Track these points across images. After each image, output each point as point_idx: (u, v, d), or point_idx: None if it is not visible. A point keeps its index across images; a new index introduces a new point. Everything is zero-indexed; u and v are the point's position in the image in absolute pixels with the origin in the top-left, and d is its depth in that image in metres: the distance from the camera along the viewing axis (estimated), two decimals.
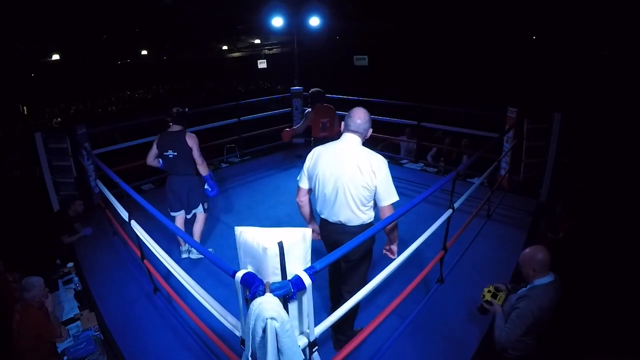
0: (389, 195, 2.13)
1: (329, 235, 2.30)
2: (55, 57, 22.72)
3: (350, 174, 2.06)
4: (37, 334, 2.43)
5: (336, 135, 3.70)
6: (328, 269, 2.47)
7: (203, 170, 3.51)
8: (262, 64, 8.10)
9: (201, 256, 3.53)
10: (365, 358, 2.43)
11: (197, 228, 3.60)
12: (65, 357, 2.54)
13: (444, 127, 5.62)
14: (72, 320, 2.89)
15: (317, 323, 1.71)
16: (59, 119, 13.40)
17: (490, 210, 4.24)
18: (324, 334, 1.87)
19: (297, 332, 1.58)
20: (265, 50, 33.04)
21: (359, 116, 2.14)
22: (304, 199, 2.37)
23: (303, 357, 1.46)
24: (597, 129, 7.72)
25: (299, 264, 1.50)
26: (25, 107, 16.22)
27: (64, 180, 4.36)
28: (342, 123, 2.20)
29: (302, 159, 6.91)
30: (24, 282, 2.48)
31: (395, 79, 16.46)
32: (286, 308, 1.44)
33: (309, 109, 4.58)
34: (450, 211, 2.83)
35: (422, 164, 5.82)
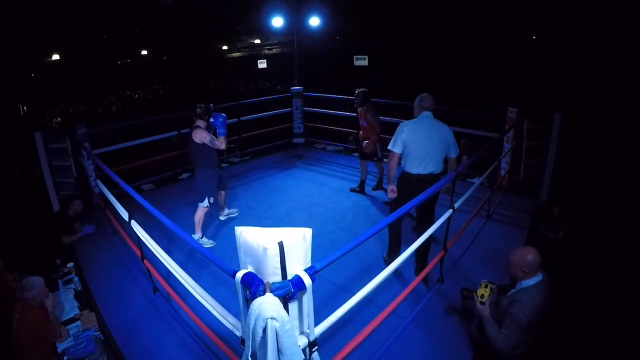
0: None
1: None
2: (55, 57, 22.73)
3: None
4: (37, 334, 2.43)
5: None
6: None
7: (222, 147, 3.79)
8: (262, 64, 8.07)
9: (231, 215, 4.38)
10: (366, 357, 2.43)
11: (194, 217, 3.82)
12: (65, 357, 2.54)
13: None
14: (72, 320, 2.89)
15: (317, 323, 1.71)
16: (59, 119, 13.38)
17: (490, 210, 4.24)
18: (324, 333, 1.87)
19: (297, 332, 1.58)
20: (265, 50, 33.05)
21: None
22: None
23: (303, 357, 1.46)
24: (597, 129, 7.72)
25: (299, 264, 1.50)
26: (25, 107, 16.22)
27: (64, 180, 4.37)
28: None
29: (302, 159, 6.94)
30: (24, 282, 2.48)
31: (395, 78, 16.46)
32: (286, 308, 1.44)
33: (372, 112, 4.45)
34: (450, 211, 2.83)
35: None
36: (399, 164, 3.06)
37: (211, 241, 3.88)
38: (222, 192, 4.23)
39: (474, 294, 2.25)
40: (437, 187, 2.61)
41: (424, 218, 3.06)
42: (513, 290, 2.12)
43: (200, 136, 3.61)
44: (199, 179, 3.81)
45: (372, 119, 4.45)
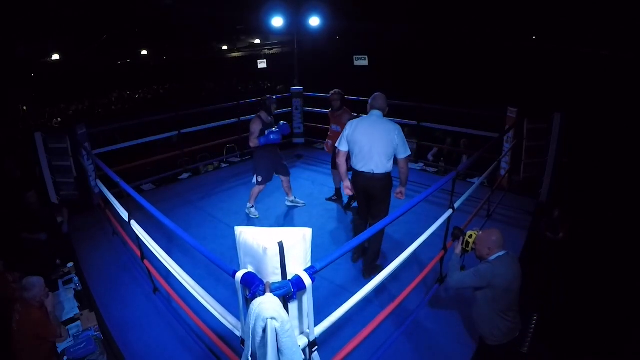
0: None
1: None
2: (55, 57, 22.72)
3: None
4: (37, 334, 2.42)
5: None
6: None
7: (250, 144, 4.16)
8: (262, 64, 8.08)
9: (297, 204, 4.61)
10: (366, 357, 2.43)
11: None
12: (65, 357, 2.54)
13: (444, 127, 5.62)
14: (72, 320, 2.89)
15: (317, 323, 1.71)
16: (59, 119, 13.39)
17: (490, 210, 4.25)
18: (324, 333, 1.87)
19: (297, 332, 1.58)
20: (265, 50, 33.03)
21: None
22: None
23: (303, 357, 1.46)
24: (597, 129, 7.72)
25: (299, 264, 1.50)
26: (25, 107, 16.21)
27: (64, 180, 4.37)
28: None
29: (302, 159, 6.94)
30: (24, 282, 2.47)
31: (395, 79, 16.45)
32: (286, 308, 1.44)
33: (348, 117, 4.20)
34: (450, 211, 2.83)
35: (422, 164, 5.82)
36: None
37: (257, 213, 4.35)
38: (283, 179, 4.46)
39: (464, 235, 2.43)
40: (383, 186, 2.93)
41: (372, 214, 3.13)
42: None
43: (252, 125, 4.04)
44: (254, 160, 4.30)
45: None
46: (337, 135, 4.16)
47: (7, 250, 3.42)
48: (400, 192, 3.14)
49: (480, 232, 2.36)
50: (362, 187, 3.08)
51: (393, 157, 2.98)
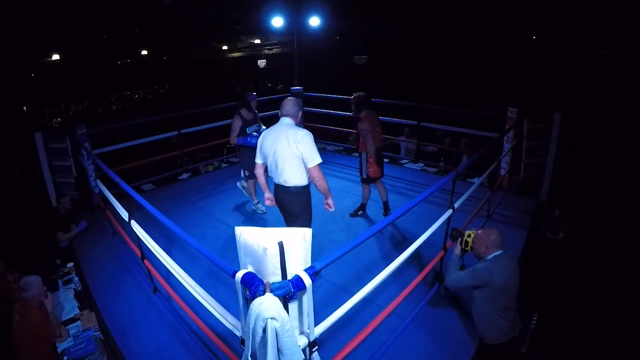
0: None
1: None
2: (55, 57, 22.70)
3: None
4: (37, 334, 2.43)
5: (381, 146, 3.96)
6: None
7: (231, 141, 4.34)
8: (262, 64, 8.10)
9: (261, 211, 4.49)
10: (366, 357, 2.43)
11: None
12: (65, 357, 2.54)
13: (444, 127, 5.62)
14: (72, 320, 2.89)
15: (317, 323, 1.71)
16: (59, 119, 13.40)
17: (490, 210, 4.24)
18: (324, 333, 1.87)
19: (297, 332, 1.58)
20: (265, 50, 33.00)
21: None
22: None
23: (303, 357, 1.46)
24: (597, 129, 7.72)
25: (299, 264, 1.50)
26: (25, 107, 16.22)
27: (64, 180, 4.37)
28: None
29: None
30: (21, 282, 2.47)
31: (395, 78, 16.46)
32: (286, 308, 1.44)
33: (365, 125, 3.71)
34: (450, 211, 2.83)
35: (422, 164, 5.81)
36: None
37: (263, 208, 4.41)
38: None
39: (462, 236, 2.46)
40: None
41: (288, 221, 3.02)
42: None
43: (232, 122, 4.14)
44: (240, 156, 4.43)
45: (362, 133, 3.72)
46: (359, 142, 3.91)
47: (7, 251, 3.42)
48: (327, 204, 2.92)
49: (479, 231, 2.37)
50: (278, 201, 2.95)
51: (304, 168, 2.73)
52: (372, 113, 3.90)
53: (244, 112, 4.16)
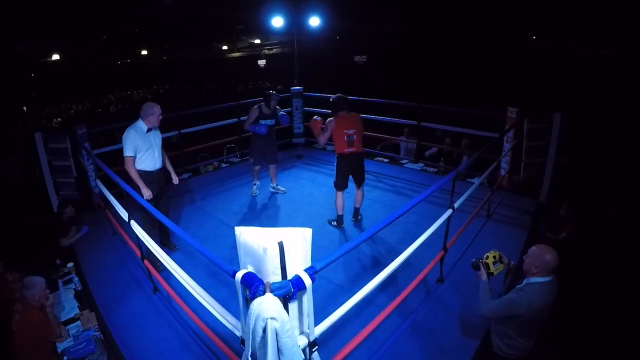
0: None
1: None
2: (55, 57, 22.71)
3: None
4: (37, 334, 2.42)
5: (363, 151, 3.95)
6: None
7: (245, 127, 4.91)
8: (262, 63, 8.12)
9: (278, 191, 5.03)
10: (366, 357, 2.43)
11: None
12: (65, 357, 2.54)
13: (444, 127, 5.61)
14: (72, 320, 2.89)
15: (317, 323, 1.71)
16: (59, 119, 13.39)
17: (490, 210, 4.24)
18: (324, 333, 1.87)
19: (297, 332, 1.58)
20: (265, 50, 33.01)
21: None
22: None
23: (303, 357, 1.46)
24: (597, 129, 7.72)
25: (299, 264, 1.50)
26: (25, 107, 16.22)
27: (64, 180, 4.36)
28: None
29: (302, 158, 6.93)
30: (25, 280, 2.47)
31: (395, 78, 16.46)
32: (286, 308, 1.44)
33: (331, 118, 3.85)
34: (450, 211, 2.83)
35: (422, 164, 5.81)
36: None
37: (256, 191, 4.95)
38: (271, 165, 4.92)
39: (482, 262, 2.29)
40: None
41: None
42: (520, 285, 2.10)
43: (250, 111, 4.63)
44: (250, 143, 4.85)
45: (324, 127, 3.90)
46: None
47: (7, 251, 3.42)
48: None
49: (534, 247, 2.09)
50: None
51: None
52: (351, 115, 3.85)
53: (263, 107, 4.62)
